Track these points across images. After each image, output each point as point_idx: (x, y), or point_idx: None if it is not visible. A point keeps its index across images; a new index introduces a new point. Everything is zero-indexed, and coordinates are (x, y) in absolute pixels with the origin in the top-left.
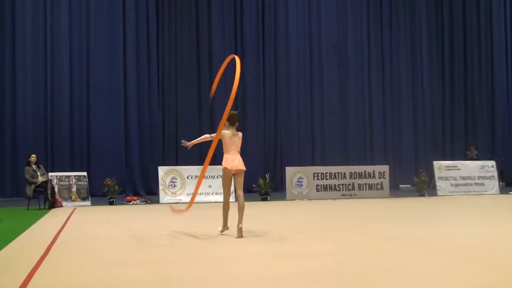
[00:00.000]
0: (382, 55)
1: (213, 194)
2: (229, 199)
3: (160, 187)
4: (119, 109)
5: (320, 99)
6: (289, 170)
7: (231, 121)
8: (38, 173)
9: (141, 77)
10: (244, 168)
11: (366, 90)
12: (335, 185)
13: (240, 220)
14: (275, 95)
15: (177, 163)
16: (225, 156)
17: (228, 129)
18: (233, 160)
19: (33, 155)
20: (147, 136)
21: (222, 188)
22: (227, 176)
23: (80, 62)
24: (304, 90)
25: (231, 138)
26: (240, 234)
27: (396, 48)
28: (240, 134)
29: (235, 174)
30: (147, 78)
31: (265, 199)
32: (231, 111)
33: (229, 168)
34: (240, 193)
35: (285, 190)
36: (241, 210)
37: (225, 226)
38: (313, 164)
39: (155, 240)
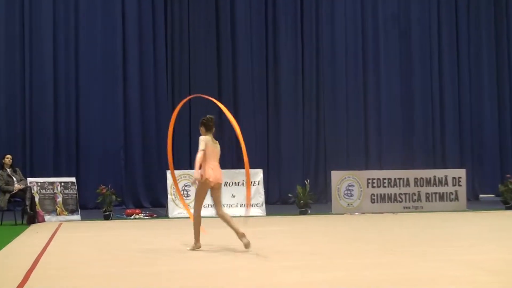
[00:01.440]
0: (456, 33)
1: (237, 206)
2: (200, 212)
3: (169, 197)
4: (117, 99)
5: (375, 85)
6: (336, 175)
7: (207, 127)
8: (14, 179)
9: (145, 59)
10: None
11: (435, 74)
12: (395, 194)
13: (237, 228)
14: (316, 79)
15: (191, 166)
16: (206, 165)
17: (205, 136)
18: (215, 171)
19: (8, 156)
20: (153, 132)
21: (196, 200)
22: (205, 189)
23: (66, 40)
24: (354, 73)
25: (213, 146)
26: (247, 241)
27: (475, 24)
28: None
29: (214, 187)
30: (152, 61)
31: (304, 213)
32: (208, 116)
33: (211, 180)
34: (221, 211)
35: (331, 201)
36: (231, 221)
37: (197, 243)
38: (366, 168)
39: (164, 269)
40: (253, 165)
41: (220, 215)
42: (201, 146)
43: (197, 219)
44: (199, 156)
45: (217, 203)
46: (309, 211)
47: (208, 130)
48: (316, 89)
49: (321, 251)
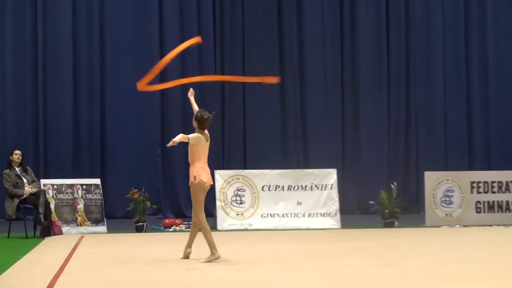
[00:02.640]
0: None
1: (304, 215)
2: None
3: (218, 203)
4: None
5: (481, 63)
6: (430, 178)
7: (200, 123)
8: (25, 180)
9: (187, 30)
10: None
11: None
12: (507, 202)
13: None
14: (406, 57)
15: (245, 165)
16: (197, 166)
17: (198, 133)
18: (208, 172)
19: (17, 152)
20: None
21: (198, 205)
22: (203, 192)
23: (88, 7)
24: (454, 49)
25: (205, 145)
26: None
27: None
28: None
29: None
30: (196, 30)
31: (390, 225)
32: (204, 112)
33: (205, 181)
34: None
35: (424, 210)
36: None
37: (216, 253)
38: (470, 168)
39: None
40: (324, 164)
41: (194, 222)
42: (192, 140)
43: (206, 226)
44: (183, 136)
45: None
46: (396, 223)
47: (200, 126)
48: (406, 69)
49: (410, 276)
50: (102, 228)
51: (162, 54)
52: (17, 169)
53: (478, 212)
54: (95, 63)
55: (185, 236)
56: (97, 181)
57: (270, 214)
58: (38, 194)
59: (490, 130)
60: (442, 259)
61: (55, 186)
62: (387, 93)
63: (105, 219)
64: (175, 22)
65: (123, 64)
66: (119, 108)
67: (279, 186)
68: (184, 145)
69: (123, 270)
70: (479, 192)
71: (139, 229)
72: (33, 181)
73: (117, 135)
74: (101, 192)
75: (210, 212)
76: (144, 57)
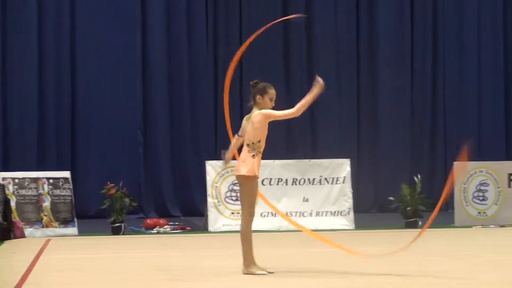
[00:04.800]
0: None
1: (311, 214)
2: None
3: (210, 200)
4: (133, 57)
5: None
6: (461, 168)
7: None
8: None
9: (172, 1)
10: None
11: None
12: None
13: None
14: (433, 33)
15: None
16: (250, 155)
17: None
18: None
19: None
20: (186, 105)
21: (250, 206)
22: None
23: None
24: (490, 23)
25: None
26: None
27: None
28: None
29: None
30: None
31: (413, 225)
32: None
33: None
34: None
35: (453, 207)
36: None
37: (255, 264)
38: (507, 158)
39: None
40: (335, 154)
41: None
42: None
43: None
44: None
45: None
46: (420, 223)
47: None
48: (433, 46)
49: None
50: (72, 230)
51: (144, 27)
52: None
53: None
54: (64, 37)
55: (171, 239)
56: (67, 174)
57: (272, 212)
58: None
59: None
60: (476, 266)
61: (16, 180)
62: (410, 68)
63: (75, 219)
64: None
65: (98, 37)
66: (93, 89)
67: (282, 180)
68: (170, 134)
69: (96, 281)
70: None
71: (116, 231)
72: None
73: (90, 121)
74: (71, 188)
75: (201, 210)
76: (123, 31)
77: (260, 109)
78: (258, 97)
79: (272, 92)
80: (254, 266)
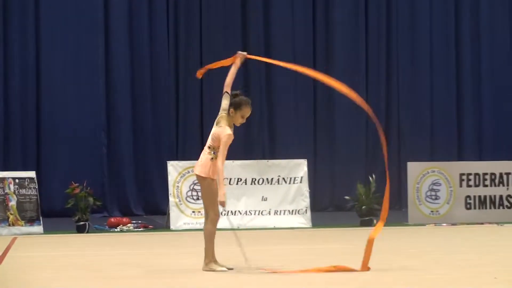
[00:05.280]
0: None
1: (269, 213)
2: None
3: (172, 200)
4: (96, 58)
5: (472, 35)
6: (414, 169)
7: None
8: None
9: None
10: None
11: None
12: (501, 197)
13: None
14: (387, 35)
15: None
16: (209, 158)
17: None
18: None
19: None
20: (147, 105)
21: (214, 205)
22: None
23: None
24: (443, 27)
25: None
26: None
27: None
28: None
29: None
30: (147, 8)
31: (368, 223)
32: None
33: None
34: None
35: (406, 207)
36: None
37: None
38: (459, 158)
39: None
40: (293, 154)
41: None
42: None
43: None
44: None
45: None
46: (374, 221)
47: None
48: (386, 48)
49: (392, 283)
50: (38, 228)
51: (107, 30)
52: None
53: (468, 209)
54: (29, 36)
55: (133, 237)
56: (32, 174)
57: (231, 211)
58: None
59: (483, 115)
60: (428, 263)
61: None
62: (364, 72)
63: (41, 218)
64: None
65: (62, 40)
66: (57, 88)
67: (241, 180)
68: (133, 134)
69: (61, 278)
70: (469, 186)
71: (80, 229)
72: None
73: (55, 121)
74: (37, 187)
75: (163, 209)
76: (86, 31)
77: (230, 121)
78: (231, 110)
79: (246, 110)
80: (215, 263)
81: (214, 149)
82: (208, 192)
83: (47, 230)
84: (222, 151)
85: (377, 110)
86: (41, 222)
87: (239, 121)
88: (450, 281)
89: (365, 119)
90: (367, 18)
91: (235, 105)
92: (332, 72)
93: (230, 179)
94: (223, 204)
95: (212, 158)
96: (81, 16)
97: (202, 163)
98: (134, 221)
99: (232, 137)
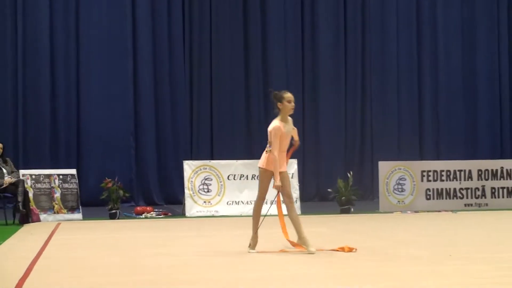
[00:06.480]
0: None
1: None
2: None
3: (187, 192)
4: (125, 75)
5: (431, 60)
6: (384, 167)
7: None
8: (4, 171)
9: (158, 27)
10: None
11: (503, 46)
12: (455, 189)
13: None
14: (362, 54)
15: (212, 156)
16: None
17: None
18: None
19: None
20: (168, 115)
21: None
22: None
23: (65, 5)
24: (408, 45)
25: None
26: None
27: None
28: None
29: None
30: (166, 28)
31: (346, 211)
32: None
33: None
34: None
35: (378, 197)
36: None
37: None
38: (421, 158)
39: (180, 278)
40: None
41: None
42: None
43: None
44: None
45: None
46: (352, 209)
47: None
48: (362, 66)
49: (363, 258)
50: (78, 216)
51: (135, 51)
52: None
53: (428, 199)
54: (71, 61)
55: (156, 223)
56: (73, 171)
57: (235, 201)
58: (17, 184)
59: (440, 122)
60: (394, 243)
61: (34, 176)
62: (344, 86)
63: (80, 207)
64: (148, 18)
65: (98, 65)
66: (94, 101)
67: (243, 176)
68: (156, 137)
69: (98, 255)
70: (429, 180)
71: (112, 216)
72: (12, 172)
73: (92, 128)
74: (77, 182)
75: (179, 199)
76: (118, 59)
77: (283, 116)
78: (278, 104)
79: (287, 95)
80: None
81: (269, 144)
82: (260, 180)
83: (86, 217)
84: (274, 143)
85: (354, 119)
86: (81, 210)
87: (289, 107)
88: (413, 258)
89: (343, 126)
90: (346, 44)
91: (278, 98)
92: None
93: (235, 175)
94: (277, 187)
95: (266, 151)
96: (114, 42)
97: (262, 157)
98: (156, 209)
99: (279, 128)
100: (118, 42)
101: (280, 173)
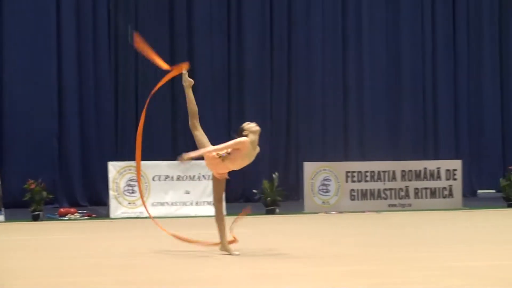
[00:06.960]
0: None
1: (192, 204)
2: None
3: (111, 193)
4: (49, 75)
5: (356, 61)
6: (309, 168)
7: None
8: None
9: (83, 26)
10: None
11: (428, 49)
12: (379, 190)
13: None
14: (288, 55)
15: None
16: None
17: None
18: None
19: None
20: (92, 115)
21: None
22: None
23: None
24: (333, 47)
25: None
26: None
27: None
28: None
29: None
30: (91, 27)
31: (272, 212)
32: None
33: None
34: None
35: (303, 198)
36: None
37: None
38: (345, 159)
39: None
40: None
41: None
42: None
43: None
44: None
45: None
46: (277, 210)
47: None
48: (287, 66)
49: (288, 258)
50: (0, 217)
51: (60, 46)
52: None
53: (352, 200)
54: None
55: (80, 224)
56: None
57: (160, 202)
58: None
59: (364, 123)
60: (318, 244)
61: None
62: (270, 90)
63: (3, 209)
64: (71, 17)
65: (20, 58)
66: (16, 101)
67: (168, 177)
68: (80, 139)
69: (21, 258)
70: (353, 181)
71: (35, 218)
72: None
73: (14, 128)
74: (0, 183)
75: (103, 201)
76: (42, 58)
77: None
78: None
79: (248, 127)
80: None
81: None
82: (213, 185)
83: (8, 219)
84: (227, 145)
85: (279, 120)
86: (3, 212)
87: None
88: (338, 258)
89: (269, 126)
90: (272, 44)
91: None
92: (244, 87)
93: (160, 176)
94: (181, 158)
95: (220, 156)
96: (37, 41)
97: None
98: (80, 211)
99: (245, 146)
100: (41, 41)
101: (221, 176)
